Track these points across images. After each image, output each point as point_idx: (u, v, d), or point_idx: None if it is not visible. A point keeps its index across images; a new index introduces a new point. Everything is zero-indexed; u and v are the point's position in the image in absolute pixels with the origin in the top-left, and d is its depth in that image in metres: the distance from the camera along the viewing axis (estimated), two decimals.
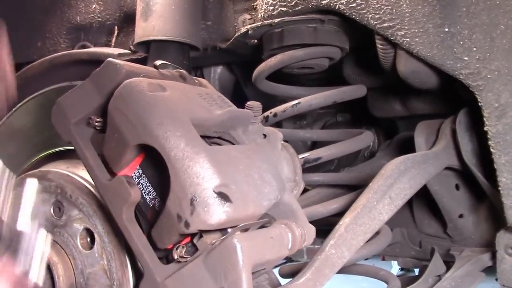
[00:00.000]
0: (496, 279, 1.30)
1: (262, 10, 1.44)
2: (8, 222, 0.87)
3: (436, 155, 1.34)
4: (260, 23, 1.43)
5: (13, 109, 1.11)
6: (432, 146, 1.41)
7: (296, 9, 1.37)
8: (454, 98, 1.40)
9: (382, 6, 1.24)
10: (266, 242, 0.79)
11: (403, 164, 1.22)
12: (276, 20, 1.39)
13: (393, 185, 1.17)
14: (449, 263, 1.43)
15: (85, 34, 1.71)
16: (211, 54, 1.64)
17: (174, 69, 0.96)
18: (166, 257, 0.81)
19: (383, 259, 2.32)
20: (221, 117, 0.88)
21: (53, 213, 0.90)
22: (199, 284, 0.74)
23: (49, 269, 0.85)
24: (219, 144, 0.90)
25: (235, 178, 0.78)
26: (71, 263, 0.87)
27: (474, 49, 1.18)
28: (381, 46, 1.31)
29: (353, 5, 1.28)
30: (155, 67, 0.99)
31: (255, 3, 1.52)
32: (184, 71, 0.97)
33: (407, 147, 1.49)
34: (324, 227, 1.14)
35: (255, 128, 1.00)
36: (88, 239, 0.88)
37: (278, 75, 1.50)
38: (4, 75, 1.14)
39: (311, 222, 0.93)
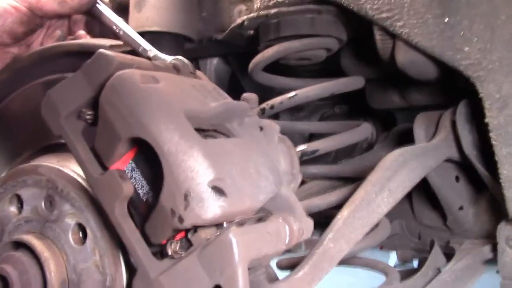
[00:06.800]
0: (497, 272, 1.29)
1: (258, 1, 1.42)
2: None
3: (435, 147, 1.32)
4: (256, 13, 1.40)
5: (3, 102, 1.09)
6: (431, 138, 1.39)
7: None
8: (453, 89, 1.38)
9: None
10: (263, 237, 0.78)
11: (402, 156, 1.20)
12: (273, 11, 1.37)
13: (392, 177, 1.16)
14: (449, 255, 1.42)
15: None
16: (206, 45, 1.62)
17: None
18: (160, 253, 0.80)
19: (381, 248, 2.32)
20: (216, 109, 0.87)
21: (44, 208, 0.89)
22: (193, 280, 0.72)
23: (41, 264, 0.84)
24: (214, 137, 0.88)
25: (230, 171, 0.77)
26: (63, 258, 0.85)
27: (475, 39, 1.16)
28: (380, 37, 1.29)
29: None
30: (148, 58, 0.98)
31: None
32: (178, 63, 0.95)
33: (406, 139, 1.48)
34: (323, 220, 1.12)
35: (251, 120, 0.98)
36: (80, 234, 0.86)
37: (275, 67, 1.49)
38: None
39: (309, 215, 0.91)
